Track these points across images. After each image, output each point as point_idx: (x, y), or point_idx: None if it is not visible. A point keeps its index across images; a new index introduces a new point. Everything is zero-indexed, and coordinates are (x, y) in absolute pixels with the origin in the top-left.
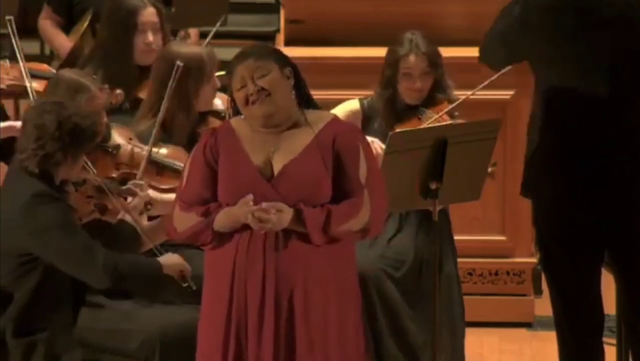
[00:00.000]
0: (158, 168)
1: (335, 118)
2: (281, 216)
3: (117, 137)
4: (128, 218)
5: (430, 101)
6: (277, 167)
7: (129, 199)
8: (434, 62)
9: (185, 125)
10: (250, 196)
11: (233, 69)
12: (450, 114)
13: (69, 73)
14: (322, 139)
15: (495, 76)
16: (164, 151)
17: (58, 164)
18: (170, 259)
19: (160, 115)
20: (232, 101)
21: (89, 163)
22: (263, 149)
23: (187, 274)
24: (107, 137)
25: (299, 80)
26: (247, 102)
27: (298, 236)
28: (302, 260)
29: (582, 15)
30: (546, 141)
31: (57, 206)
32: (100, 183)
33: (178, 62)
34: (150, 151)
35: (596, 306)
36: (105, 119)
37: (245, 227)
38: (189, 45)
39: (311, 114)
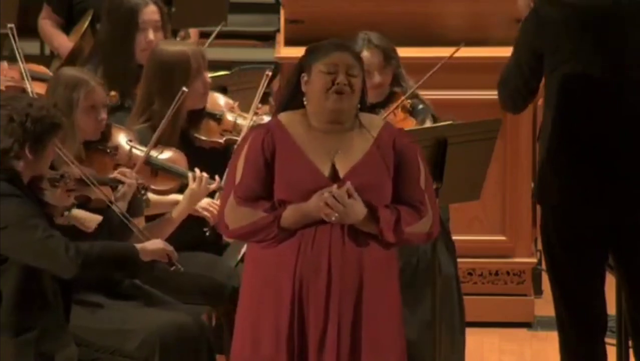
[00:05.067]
0: (152, 170)
1: (388, 122)
2: (355, 204)
3: (117, 138)
4: (115, 207)
5: (391, 97)
6: (342, 169)
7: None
8: (389, 55)
9: (174, 124)
10: (335, 186)
11: (327, 52)
12: (406, 109)
13: (67, 70)
14: (383, 142)
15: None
16: (163, 155)
17: (18, 159)
18: (152, 245)
19: (162, 125)
20: (286, 93)
21: (67, 155)
22: (320, 148)
23: (173, 257)
24: (107, 137)
25: (364, 89)
26: (327, 89)
27: (364, 235)
28: (366, 260)
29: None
30: (554, 144)
31: (11, 202)
32: (81, 175)
33: (184, 88)
34: (149, 153)
35: (599, 307)
36: (105, 117)
37: (310, 225)
38: (177, 43)
39: (363, 118)
